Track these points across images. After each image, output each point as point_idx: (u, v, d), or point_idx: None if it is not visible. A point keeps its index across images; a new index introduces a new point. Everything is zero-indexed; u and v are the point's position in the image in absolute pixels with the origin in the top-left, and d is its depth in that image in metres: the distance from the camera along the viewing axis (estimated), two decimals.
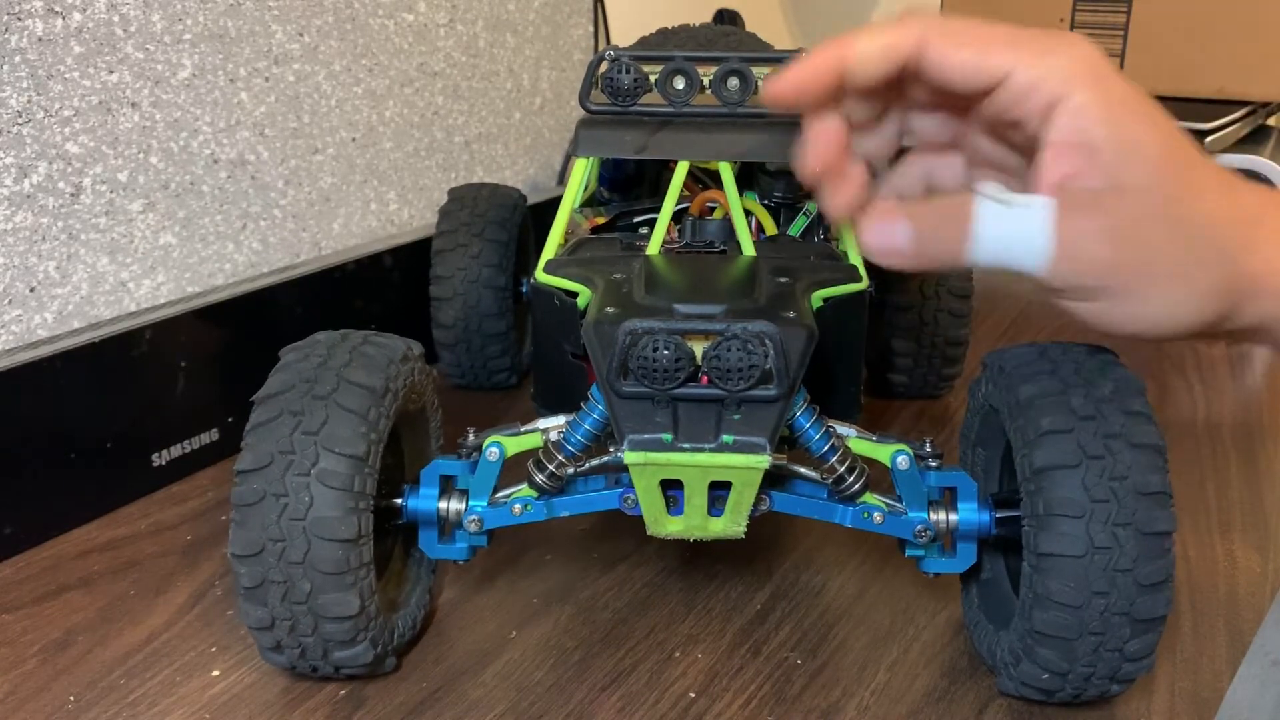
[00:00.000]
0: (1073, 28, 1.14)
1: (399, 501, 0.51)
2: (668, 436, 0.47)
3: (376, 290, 0.84)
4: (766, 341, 0.46)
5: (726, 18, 0.91)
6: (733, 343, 0.45)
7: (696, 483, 0.48)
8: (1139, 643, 0.45)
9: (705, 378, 0.46)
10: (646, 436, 0.47)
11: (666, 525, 0.49)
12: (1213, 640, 0.55)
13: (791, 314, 0.48)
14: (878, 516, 0.50)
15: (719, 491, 0.48)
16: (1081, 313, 0.41)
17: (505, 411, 0.80)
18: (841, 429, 0.51)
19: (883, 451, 0.51)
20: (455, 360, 0.81)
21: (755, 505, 0.49)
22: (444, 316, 0.79)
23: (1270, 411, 0.83)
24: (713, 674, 0.52)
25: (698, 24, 0.84)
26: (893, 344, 0.78)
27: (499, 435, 0.52)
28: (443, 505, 0.51)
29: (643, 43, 0.82)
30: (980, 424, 0.54)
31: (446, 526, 0.52)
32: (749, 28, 0.90)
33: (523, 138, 1.03)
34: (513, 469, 0.52)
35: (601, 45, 1.12)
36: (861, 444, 0.51)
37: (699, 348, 0.46)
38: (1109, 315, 0.41)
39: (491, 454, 0.51)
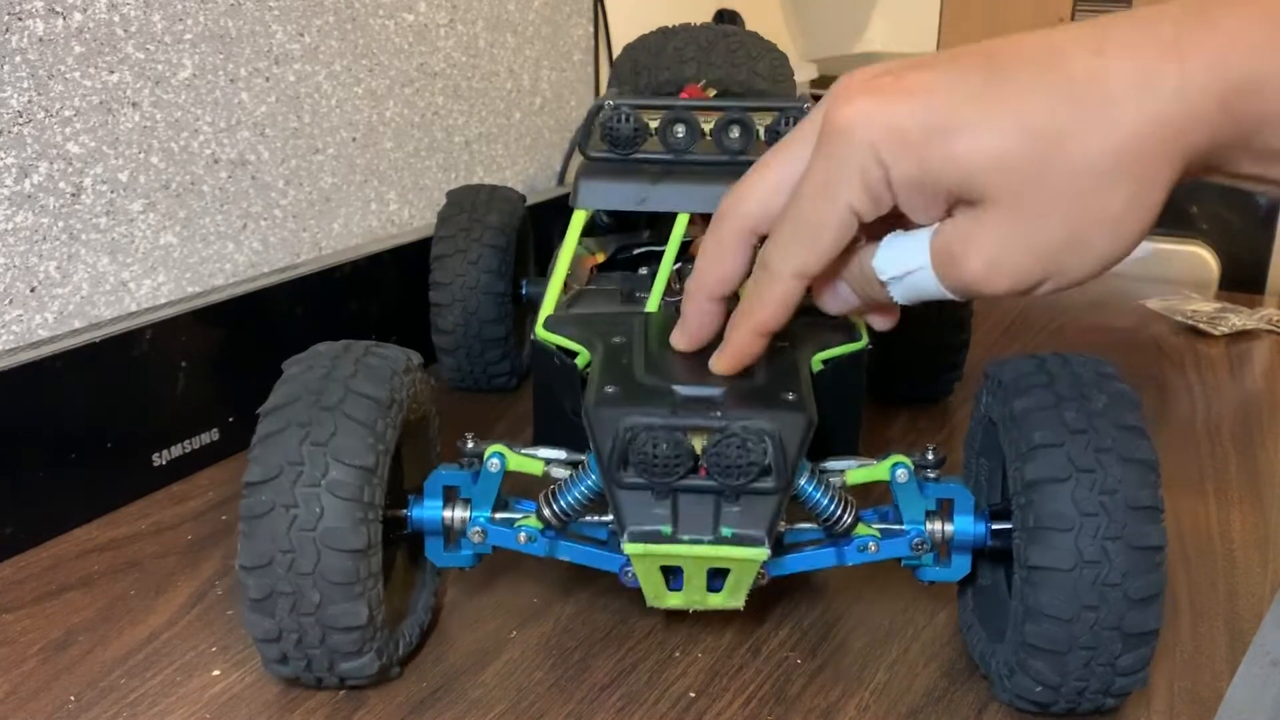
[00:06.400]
0: None
1: (404, 512, 0.51)
2: (666, 529, 0.47)
3: (377, 290, 0.84)
4: (765, 439, 0.45)
5: (727, 17, 0.91)
6: (732, 440, 0.45)
7: (696, 568, 0.48)
8: (1131, 657, 0.45)
9: (704, 469, 0.46)
10: (646, 528, 0.47)
11: (666, 599, 0.49)
12: (1213, 640, 0.55)
13: (791, 396, 0.47)
14: (872, 546, 0.50)
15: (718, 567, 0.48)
16: (1048, 292, 0.40)
17: (504, 414, 0.80)
18: (840, 464, 0.51)
19: (882, 470, 0.51)
20: (455, 365, 0.81)
21: (754, 580, 0.49)
22: (443, 322, 0.79)
23: (1270, 411, 0.83)
24: (713, 674, 0.52)
25: (698, 24, 0.84)
26: (893, 350, 0.78)
27: (501, 446, 0.52)
28: (447, 514, 0.51)
29: (643, 42, 0.82)
30: (982, 435, 0.54)
31: (451, 535, 0.52)
32: (749, 27, 0.90)
33: (523, 138, 1.03)
34: (514, 475, 0.52)
35: (602, 45, 1.12)
36: (861, 472, 0.51)
37: (699, 440, 0.46)
38: (1071, 278, 0.39)
39: (493, 465, 0.51)
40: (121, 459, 0.67)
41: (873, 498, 0.51)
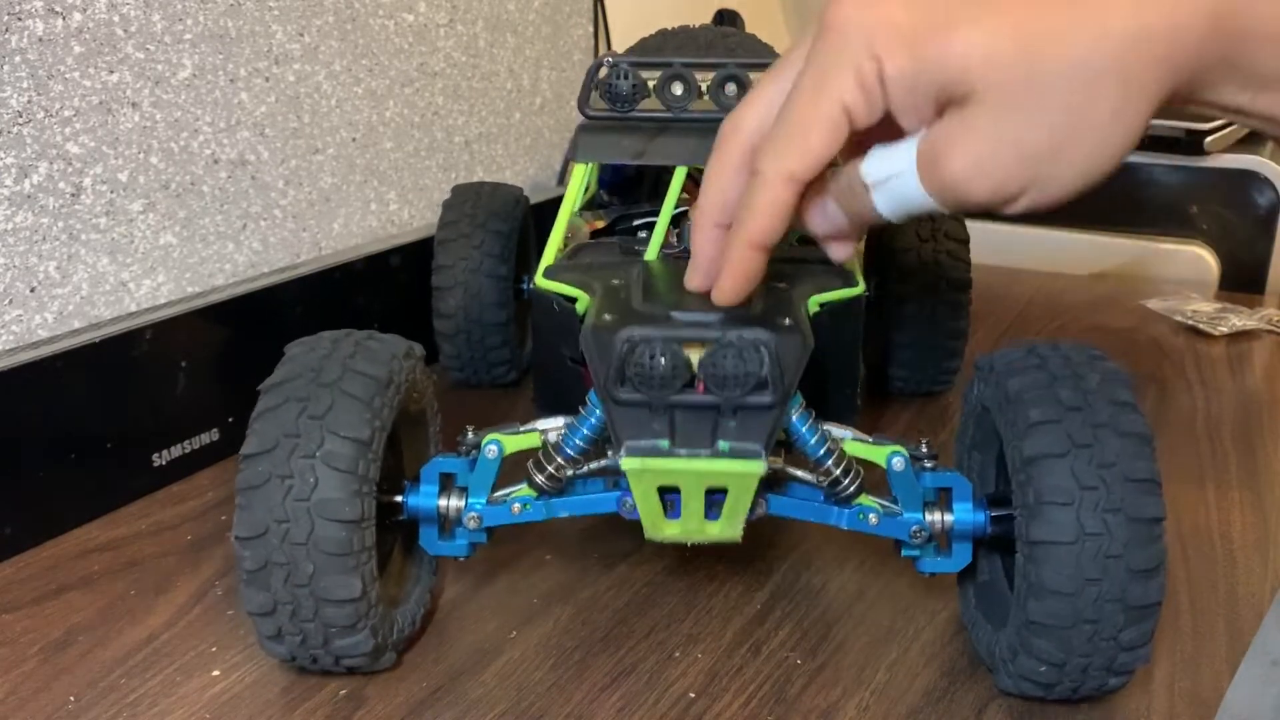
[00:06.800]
0: None
1: (400, 499, 0.52)
2: (664, 443, 0.47)
3: (377, 290, 0.84)
4: (762, 349, 0.46)
5: (726, 19, 0.91)
6: (728, 350, 0.46)
7: (693, 488, 0.48)
8: (1134, 631, 0.45)
9: (701, 385, 0.46)
10: (644, 443, 0.47)
11: (664, 529, 0.49)
12: (1213, 640, 0.55)
13: (787, 321, 0.48)
14: (873, 518, 0.50)
15: (716, 496, 0.48)
16: (1026, 207, 0.40)
17: (505, 412, 0.80)
18: (838, 431, 0.51)
19: (878, 453, 0.51)
20: (455, 352, 0.81)
21: (752, 510, 0.49)
22: (445, 306, 0.80)
23: (1270, 411, 0.83)
24: (713, 674, 0.52)
25: (697, 25, 0.84)
26: (893, 337, 0.78)
27: (498, 433, 0.52)
28: (442, 502, 0.52)
29: (642, 44, 0.82)
30: (974, 427, 0.54)
31: (447, 523, 0.52)
32: (749, 28, 0.90)
33: (523, 138, 1.03)
34: (512, 468, 0.52)
35: (602, 45, 1.12)
36: (857, 446, 0.51)
37: (695, 355, 0.46)
38: (1051, 191, 0.39)
39: (490, 451, 0.51)
40: (121, 459, 0.67)
41: (876, 491, 0.51)
